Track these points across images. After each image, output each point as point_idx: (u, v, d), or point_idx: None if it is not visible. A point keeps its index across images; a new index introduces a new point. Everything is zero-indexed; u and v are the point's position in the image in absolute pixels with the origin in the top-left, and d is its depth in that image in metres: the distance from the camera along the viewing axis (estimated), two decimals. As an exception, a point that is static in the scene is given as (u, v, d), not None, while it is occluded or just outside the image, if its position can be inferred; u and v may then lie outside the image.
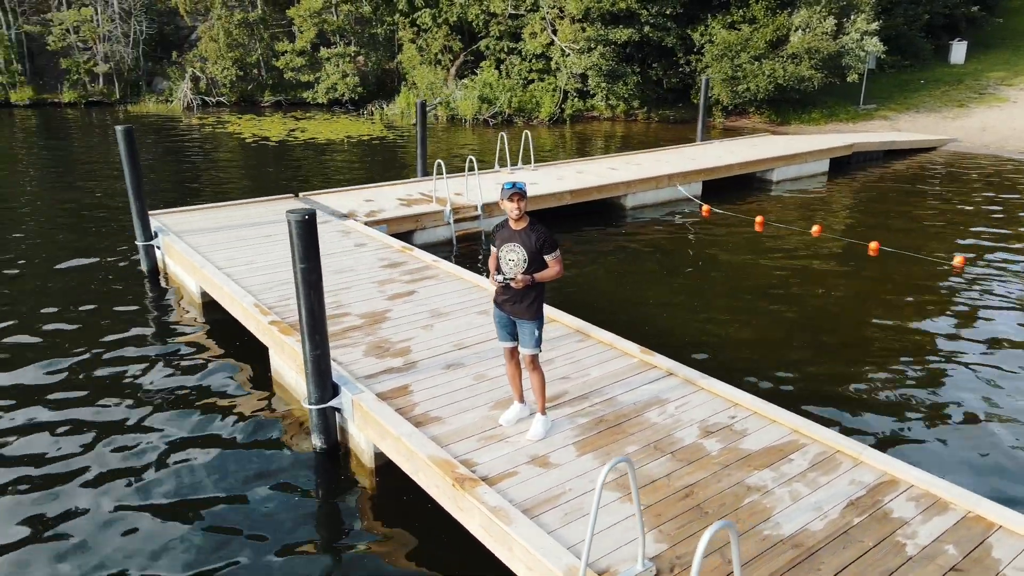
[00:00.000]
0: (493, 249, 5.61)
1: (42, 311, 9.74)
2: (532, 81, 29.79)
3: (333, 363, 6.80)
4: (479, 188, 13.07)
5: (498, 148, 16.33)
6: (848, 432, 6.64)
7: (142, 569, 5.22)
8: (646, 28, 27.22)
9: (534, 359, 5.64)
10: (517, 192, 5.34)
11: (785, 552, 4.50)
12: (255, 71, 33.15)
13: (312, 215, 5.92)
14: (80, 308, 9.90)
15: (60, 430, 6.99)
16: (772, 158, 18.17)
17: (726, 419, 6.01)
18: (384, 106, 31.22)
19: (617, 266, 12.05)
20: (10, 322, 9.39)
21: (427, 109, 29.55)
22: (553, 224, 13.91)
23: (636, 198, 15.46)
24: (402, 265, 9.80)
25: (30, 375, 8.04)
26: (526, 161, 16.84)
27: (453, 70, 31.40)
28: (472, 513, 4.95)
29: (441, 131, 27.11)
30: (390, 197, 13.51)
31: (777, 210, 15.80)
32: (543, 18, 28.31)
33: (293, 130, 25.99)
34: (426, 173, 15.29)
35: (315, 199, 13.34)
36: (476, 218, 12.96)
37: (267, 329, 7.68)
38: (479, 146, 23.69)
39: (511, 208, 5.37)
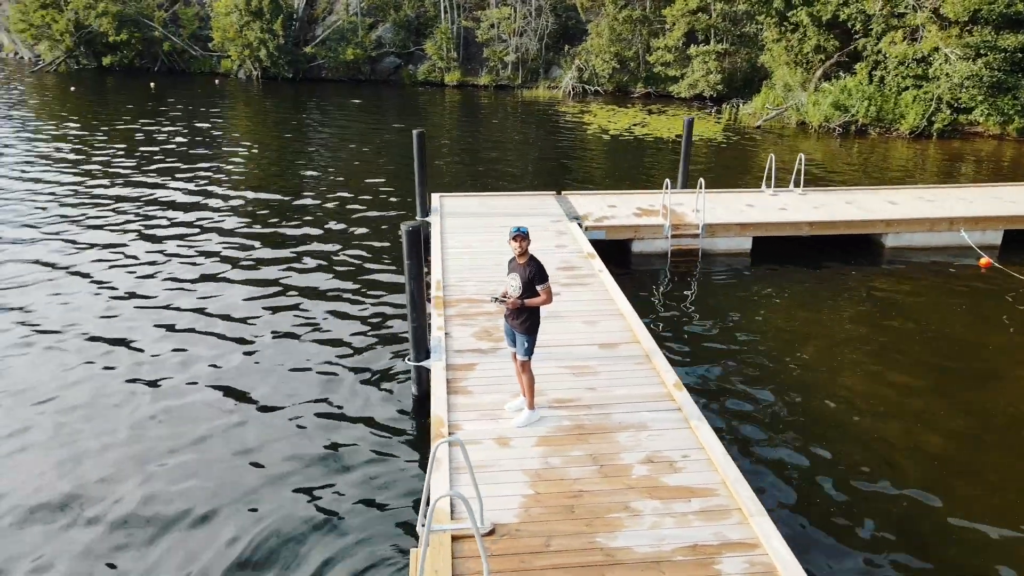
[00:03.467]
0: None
1: (334, 245, 13.93)
2: (907, 88, 27.22)
3: (445, 335, 9.21)
4: (703, 207, 13.89)
5: (767, 168, 16.45)
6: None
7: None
8: (1052, 34, 22.89)
9: (524, 364, 7.29)
10: (519, 235, 7.01)
11: (594, 555, 5.65)
12: (632, 64, 36.09)
13: (418, 229, 8.31)
14: (365, 248, 13.99)
15: (305, 305, 10.75)
16: None
17: (678, 456, 6.88)
18: (740, 105, 31.53)
19: (832, 307, 11.97)
20: (344, 230, 13.75)
21: (778, 112, 29.19)
22: (782, 255, 14.01)
23: (899, 238, 14.41)
24: (575, 269, 11.61)
25: (306, 269, 12.13)
26: (797, 183, 16.59)
27: (820, 72, 30.16)
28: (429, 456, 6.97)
29: (788, 137, 26.76)
30: (631, 205, 15.10)
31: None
32: (919, 22, 25.59)
33: (636, 124, 28.31)
34: (685, 185, 16.38)
35: (570, 198, 15.59)
36: (696, 236, 13.87)
37: (435, 298, 10.36)
38: (818, 156, 23.12)
39: (514, 247, 7.06)
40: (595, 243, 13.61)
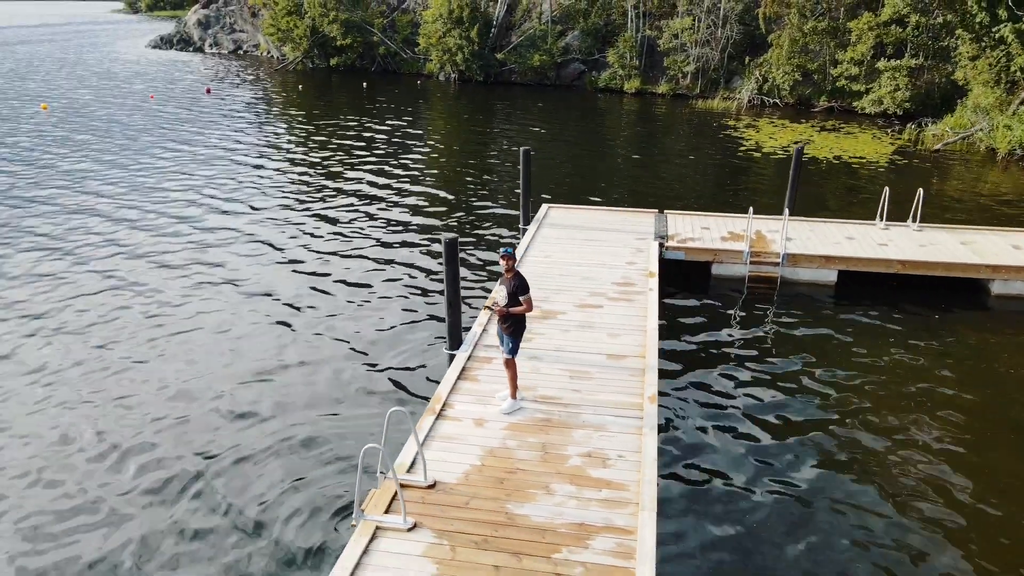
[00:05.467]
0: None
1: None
2: None
3: (483, 331, 10.86)
4: (784, 236, 14.16)
5: (881, 199, 15.99)
6: None
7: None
8: None
9: (508, 361, 8.78)
10: (506, 255, 8.50)
11: (498, 516, 7.08)
12: (816, 76, 34.84)
13: (454, 241, 10.03)
14: (491, 244, 15.96)
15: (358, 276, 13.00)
16: None
17: (614, 455, 8.01)
18: (927, 124, 29.46)
19: (902, 352, 11.86)
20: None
21: (961, 135, 27.03)
22: (874, 292, 13.86)
23: (1008, 286, 13.66)
24: (630, 286, 12.67)
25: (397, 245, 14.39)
26: (915, 218, 15.95)
27: (1026, 92, 27.38)
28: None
29: (971, 164, 24.86)
30: (723, 228, 15.63)
31: None
32: None
33: (796, 143, 27.62)
34: (792, 212, 16.46)
35: (670, 217, 16.41)
36: (776, 264, 14.20)
37: (490, 298, 12.02)
38: (1003, 188, 21.65)
39: (503, 264, 8.55)
40: (677, 264, 14.52)
